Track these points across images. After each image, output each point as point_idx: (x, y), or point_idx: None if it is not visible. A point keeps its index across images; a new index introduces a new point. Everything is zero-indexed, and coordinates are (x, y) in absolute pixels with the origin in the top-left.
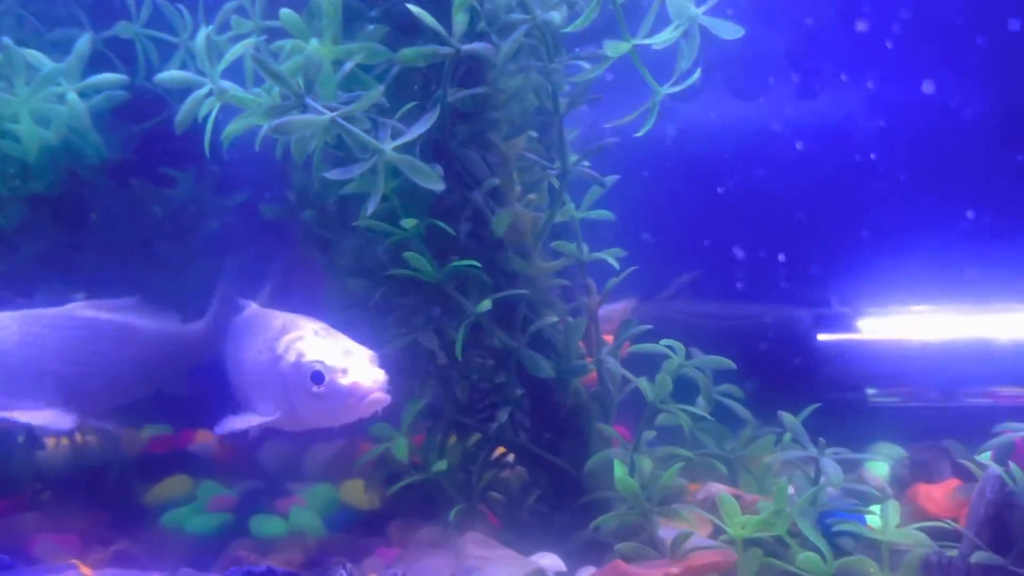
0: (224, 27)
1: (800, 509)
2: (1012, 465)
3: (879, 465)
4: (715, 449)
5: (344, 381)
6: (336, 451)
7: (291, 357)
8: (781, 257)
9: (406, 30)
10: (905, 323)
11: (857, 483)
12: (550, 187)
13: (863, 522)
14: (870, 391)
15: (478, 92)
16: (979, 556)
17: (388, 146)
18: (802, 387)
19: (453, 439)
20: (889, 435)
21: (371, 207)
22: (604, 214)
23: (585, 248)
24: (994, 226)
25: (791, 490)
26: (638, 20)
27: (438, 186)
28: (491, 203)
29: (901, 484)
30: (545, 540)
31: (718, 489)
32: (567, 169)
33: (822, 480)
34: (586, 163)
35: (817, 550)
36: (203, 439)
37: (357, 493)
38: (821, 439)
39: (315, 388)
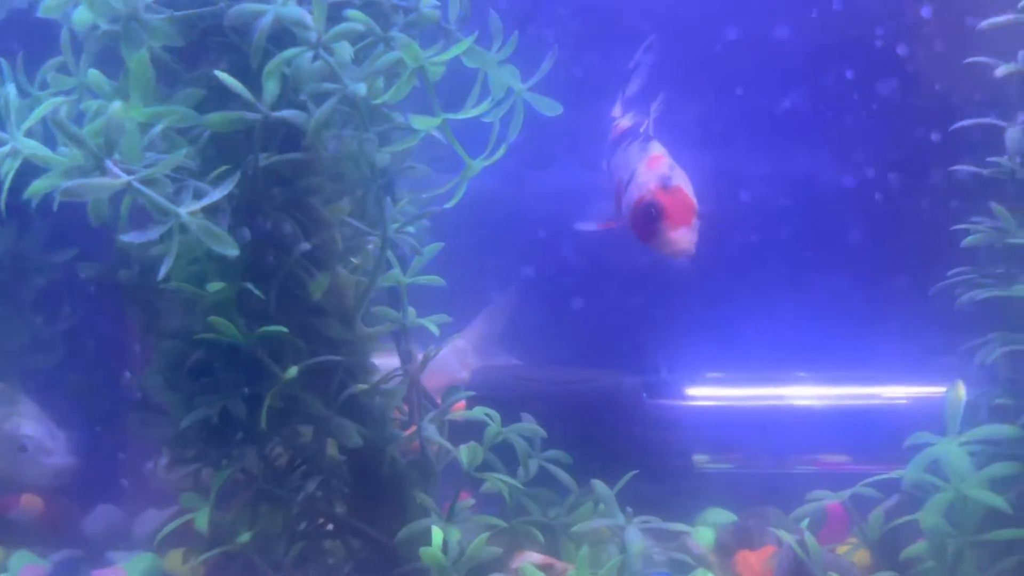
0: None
1: None
2: (807, 535)
3: (704, 532)
4: (538, 516)
5: None
6: (167, 517)
7: None
8: (613, 323)
9: (225, 94)
10: (736, 390)
11: (679, 551)
12: (377, 253)
13: None
14: (703, 457)
15: (292, 157)
16: None
17: (185, 209)
18: (633, 453)
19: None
20: (722, 501)
21: (163, 270)
22: (434, 280)
23: (412, 313)
24: (821, 296)
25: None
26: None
27: (233, 251)
28: (310, 267)
29: (726, 551)
30: None
31: (533, 558)
32: (387, 236)
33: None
34: (410, 229)
35: None
36: (29, 504)
37: (180, 563)
38: (628, 508)
39: None
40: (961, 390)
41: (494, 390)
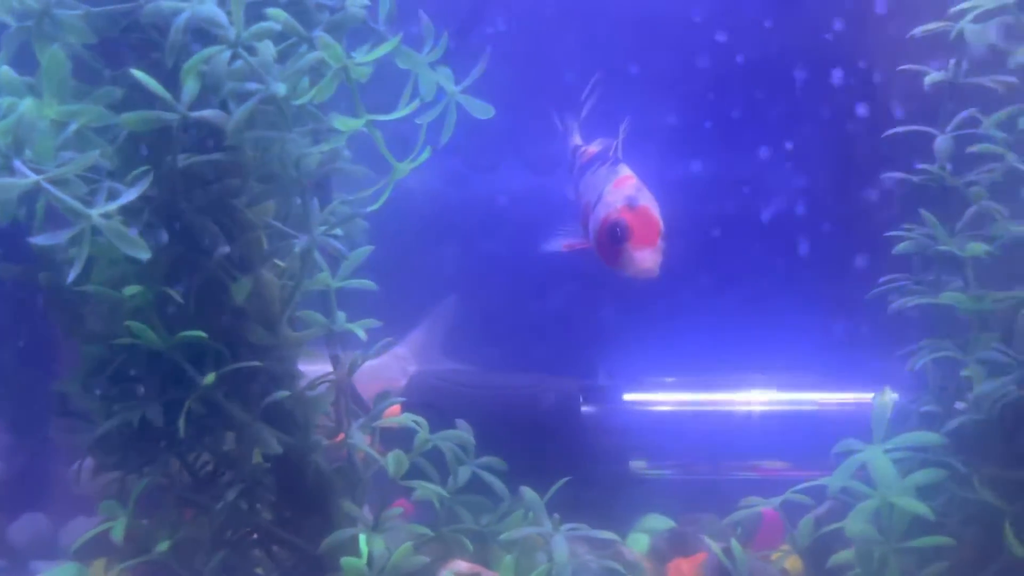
0: None
1: None
2: (733, 542)
3: (639, 539)
4: (470, 524)
5: None
6: (95, 526)
7: None
8: (553, 328)
9: (148, 93)
10: (675, 395)
11: (613, 559)
12: (302, 256)
13: None
14: (642, 464)
15: (213, 158)
16: None
17: (97, 211)
18: (571, 459)
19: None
20: (663, 508)
21: (73, 273)
22: (366, 284)
23: (342, 317)
24: (761, 302)
25: None
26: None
27: (144, 254)
28: (232, 271)
29: (661, 557)
30: None
31: (461, 567)
32: (312, 238)
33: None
34: (338, 231)
35: None
36: None
37: (105, 572)
38: (555, 515)
39: None
40: (888, 397)
41: (429, 396)
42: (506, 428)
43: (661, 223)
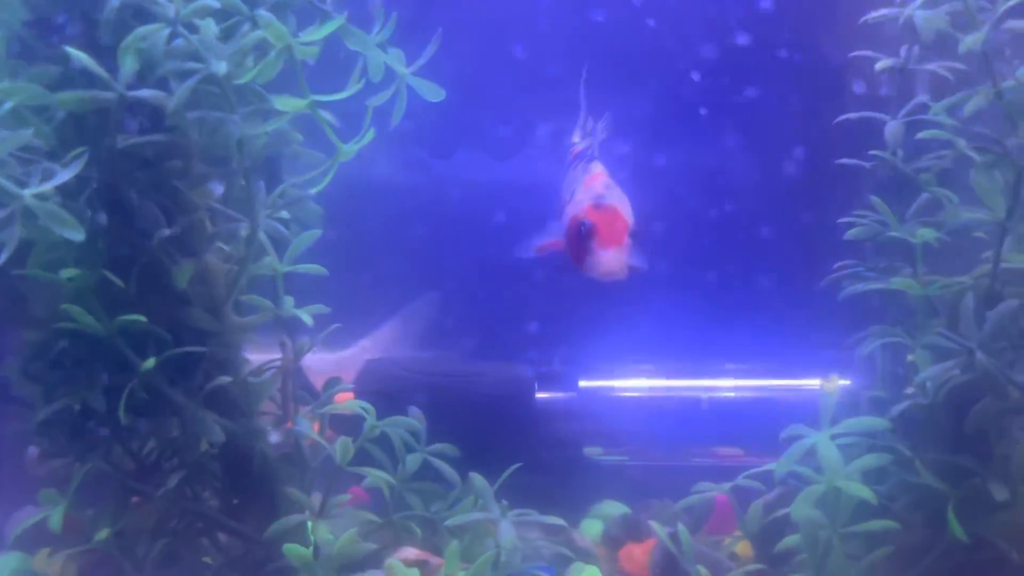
0: None
1: (475, 573)
2: (681, 528)
3: (592, 525)
4: (420, 511)
5: None
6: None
7: None
8: (503, 315)
9: (85, 72)
10: (631, 382)
11: (564, 544)
12: (247, 240)
13: None
14: (597, 450)
15: (154, 139)
16: None
17: (29, 191)
18: (525, 446)
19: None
20: (618, 494)
21: (3, 256)
22: (315, 269)
23: (289, 302)
24: (718, 287)
25: None
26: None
27: (78, 236)
28: (175, 254)
29: (615, 543)
30: None
31: (408, 554)
32: (256, 222)
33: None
34: (285, 214)
35: None
36: None
37: (48, 562)
38: (504, 502)
39: None
40: (834, 383)
41: (382, 383)
42: (461, 415)
43: (629, 221)
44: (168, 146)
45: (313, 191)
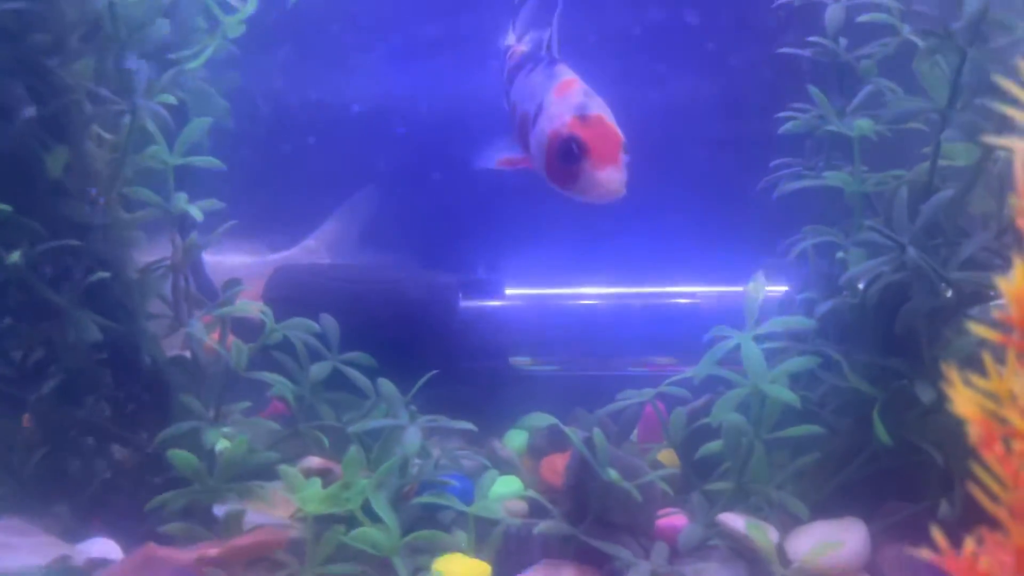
0: None
1: (376, 482)
2: (596, 432)
3: (517, 435)
4: (329, 421)
5: None
6: None
7: None
8: (425, 221)
9: None
10: (559, 291)
11: (486, 455)
12: (132, 126)
13: (458, 494)
14: (525, 360)
15: (17, 6)
16: (544, 526)
17: None
18: (447, 356)
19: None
20: (546, 406)
21: None
22: (210, 161)
23: (182, 198)
24: (652, 199)
25: None
26: None
27: None
28: (47, 139)
29: (540, 453)
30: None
31: (311, 463)
32: (136, 105)
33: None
34: (172, 99)
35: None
36: None
37: None
38: (412, 408)
39: None
40: (760, 284)
41: (292, 291)
42: (378, 324)
43: (621, 135)
44: (34, 17)
45: (193, 65)
